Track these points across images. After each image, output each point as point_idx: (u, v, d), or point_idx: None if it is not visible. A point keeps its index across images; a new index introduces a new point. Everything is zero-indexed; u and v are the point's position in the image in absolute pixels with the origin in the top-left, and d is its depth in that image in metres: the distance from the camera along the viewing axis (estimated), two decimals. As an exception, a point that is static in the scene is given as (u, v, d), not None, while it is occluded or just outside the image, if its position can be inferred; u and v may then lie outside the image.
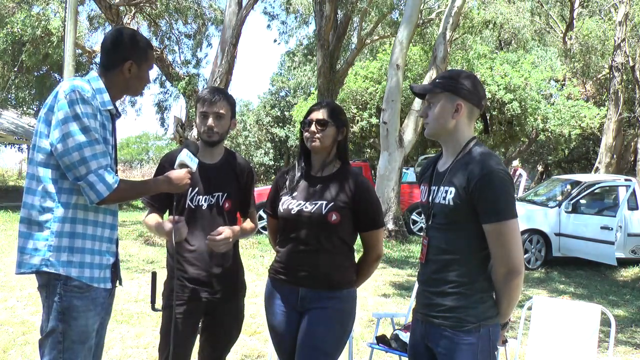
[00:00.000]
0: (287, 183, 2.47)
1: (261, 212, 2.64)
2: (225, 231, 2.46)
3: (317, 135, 2.37)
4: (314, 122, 2.38)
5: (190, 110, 11.15)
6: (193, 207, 2.53)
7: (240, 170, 2.66)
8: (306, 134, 2.40)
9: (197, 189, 2.54)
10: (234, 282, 2.62)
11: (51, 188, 2.04)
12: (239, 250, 2.70)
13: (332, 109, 2.42)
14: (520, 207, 8.82)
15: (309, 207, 2.35)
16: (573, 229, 8.89)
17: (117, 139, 2.27)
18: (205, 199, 2.55)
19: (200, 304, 2.52)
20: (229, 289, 2.58)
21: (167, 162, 2.54)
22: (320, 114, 2.39)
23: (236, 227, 2.56)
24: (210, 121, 2.52)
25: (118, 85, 2.20)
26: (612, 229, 8.27)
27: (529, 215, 9.06)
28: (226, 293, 2.56)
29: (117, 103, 2.29)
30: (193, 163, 2.33)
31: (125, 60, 2.17)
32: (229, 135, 2.74)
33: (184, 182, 2.26)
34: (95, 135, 2.03)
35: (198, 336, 2.64)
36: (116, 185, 2.04)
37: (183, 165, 2.30)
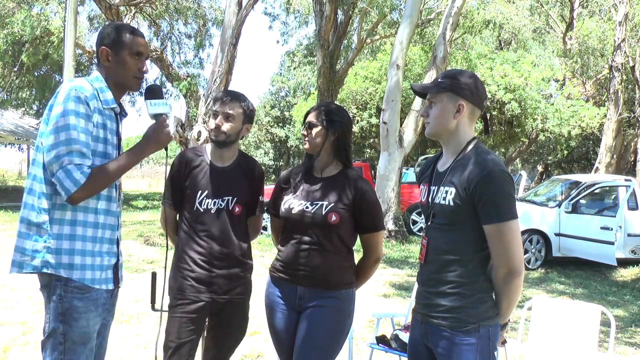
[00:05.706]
0: (290, 183, 2.50)
1: (262, 212, 2.65)
2: None
3: (306, 137, 2.44)
4: (305, 125, 2.46)
5: (191, 111, 11.13)
6: (201, 210, 2.52)
7: (251, 173, 2.65)
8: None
9: (206, 192, 2.53)
10: (241, 284, 2.60)
11: (49, 189, 2.03)
12: (251, 253, 2.66)
13: (325, 111, 2.45)
14: (520, 207, 8.83)
15: (310, 208, 2.37)
16: (573, 229, 8.89)
17: (121, 138, 2.24)
18: (215, 202, 2.52)
19: (206, 305, 2.51)
20: (235, 291, 2.57)
21: (177, 160, 2.64)
22: (310, 117, 2.46)
23: None
24: (218, 120, 2.53)
25: (108, 78, 2.16)
26: (612, 229, 8.27)
27: (529, 216, 9.05)
28: (232, 294, 2.55)
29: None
30: (162, 107, 2.21)
31: (102, 50, 2.15)
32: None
33: (164, 132, 2.17)
34: (75, 134, 1.98)
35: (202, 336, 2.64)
36: (84, 180, 1.96)
37: (156, 116, 2.21)
